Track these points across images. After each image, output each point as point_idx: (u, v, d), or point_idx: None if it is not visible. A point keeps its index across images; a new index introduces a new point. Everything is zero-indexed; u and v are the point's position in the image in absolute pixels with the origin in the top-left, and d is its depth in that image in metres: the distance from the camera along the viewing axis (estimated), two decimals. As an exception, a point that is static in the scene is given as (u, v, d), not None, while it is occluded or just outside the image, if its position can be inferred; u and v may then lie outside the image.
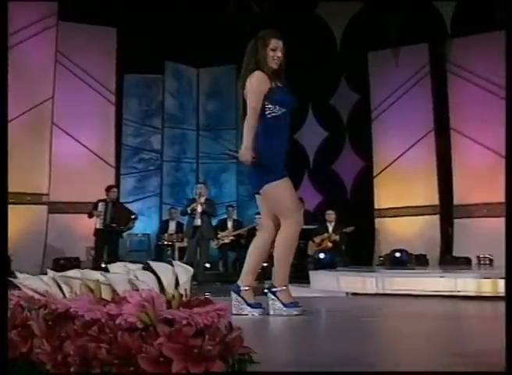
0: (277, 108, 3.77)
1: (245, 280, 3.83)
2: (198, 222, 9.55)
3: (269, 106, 3.76)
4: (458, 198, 11.88)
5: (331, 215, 10.36)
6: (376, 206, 12.45)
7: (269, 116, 3.76)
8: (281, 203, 3.74)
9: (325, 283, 6.48)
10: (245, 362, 1.67)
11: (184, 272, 1.75)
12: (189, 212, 9.60)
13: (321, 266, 8.38)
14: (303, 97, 13.04)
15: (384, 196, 12.38)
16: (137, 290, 1.73)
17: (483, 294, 5.08)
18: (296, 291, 6.36)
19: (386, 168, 12.47)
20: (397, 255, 9.39)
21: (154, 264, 1.79)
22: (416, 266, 9.57)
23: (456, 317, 4.08)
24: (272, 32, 3.90)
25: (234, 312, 3.67)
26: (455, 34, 11.47)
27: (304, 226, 10.58)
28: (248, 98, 3.77)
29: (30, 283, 1.84)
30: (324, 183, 13.43)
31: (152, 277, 1.77)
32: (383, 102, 12.58)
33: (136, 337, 1.57)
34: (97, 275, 1.79)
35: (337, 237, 10.16)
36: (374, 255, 12.01)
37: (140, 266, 1.83)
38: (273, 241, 3.83)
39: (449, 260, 10.66)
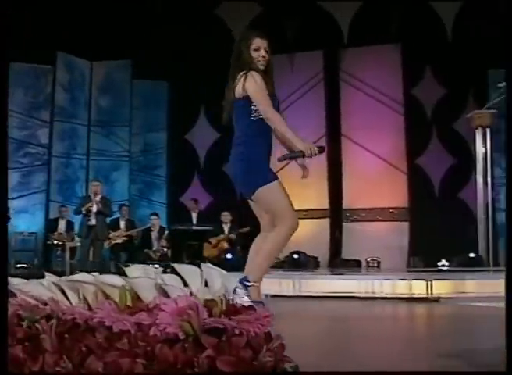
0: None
1: (258, 275, 3.71)
2: (93, 221, 9.17)
3: (255, 108, 3.70)
4: (347, 203, 12.29)
5: (227, 216, 10.34)
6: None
7: (255, 118, 3.71)
8: (274, 208, 3.72)
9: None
10: (289, 372, 1.58)
11: (218, 275, 1.62)
12: (83, 211, 9.18)
13: (227, 267, 8.26)
14: (196, 97, 13.08)
15: (276, 199, 12.52)
16: (167, 296, 1.58)
17: (400, 296, 5.23)
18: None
19: (279, 171, 12.58)
20: (295, 256, 9.53)
21: (179, 267, 1.66)
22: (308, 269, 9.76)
23: (359, 318, 4.20)
24: (254, 31, 3.84)
25: None
26: (350, 44, 11.86)
27: (199, 227, 10.60)
28: (255, 100, 3.67)
29: (31, 289, 1.62)
30: (214, 185, 13.39)
31: (179, 281, 1.63)
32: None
33: (178, 349, 1.42)
34: (114, 279, 1.61)
35: (233, 238, 10.15)
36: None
37: (161, 269, 1.68)
38: None
39: (340, 263, 10.97)
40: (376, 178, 12.02)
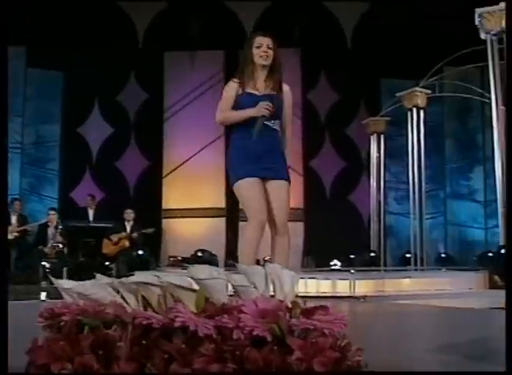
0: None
1: None
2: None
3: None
4: (244, 202, 12.38)
5: (130, 214, 10.08)
6: (164, 207, 12.42)
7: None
8: (243, 204, 3.82)
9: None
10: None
11: (289, 276, 1.60)
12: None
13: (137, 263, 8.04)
14: (90, 89, 12.66)
15: (173, 197, 12.40)
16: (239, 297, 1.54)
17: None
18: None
19: (176, 169, 12.52)
20: (200, 254, 9.48)
21: (242, 267, 1.61)
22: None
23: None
24: (257, 31, 4.01)
25: None
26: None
27: (100, 224, 10.26)
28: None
29: (93, 292, 1.50)
30: (106, 180, 13.03)
31: (247, 282, 1.59)
32: (176, 103, 12.62)
33: (267, 352, 1.39)
34: (182, 281, 1.53)
35: (135, 238, 9.91)
36: (161, 255, 11.97)
37: (222, 269, 1.62)
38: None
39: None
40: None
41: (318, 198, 12.88)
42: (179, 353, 1.37)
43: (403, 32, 11.48)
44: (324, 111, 13.40)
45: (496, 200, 11.87)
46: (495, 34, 7.62)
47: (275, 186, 3.84)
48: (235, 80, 3.94)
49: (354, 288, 5.37)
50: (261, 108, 3.71)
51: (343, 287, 5.41)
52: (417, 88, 9.78)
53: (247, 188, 3.76)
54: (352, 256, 12.15)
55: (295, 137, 12.35)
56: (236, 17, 11.35)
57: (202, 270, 1.56)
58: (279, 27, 11.47)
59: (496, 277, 6.93)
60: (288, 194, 3.90)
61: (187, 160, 12.44)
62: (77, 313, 1.42)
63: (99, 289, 1.50)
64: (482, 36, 7.79)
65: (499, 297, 5.87)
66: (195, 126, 12.35)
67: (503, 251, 7.04)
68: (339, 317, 1.51)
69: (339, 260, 12.11)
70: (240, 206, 3.92)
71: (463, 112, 12.15)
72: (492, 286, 6.82)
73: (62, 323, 1.42)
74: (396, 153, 12.44)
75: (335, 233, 12.10)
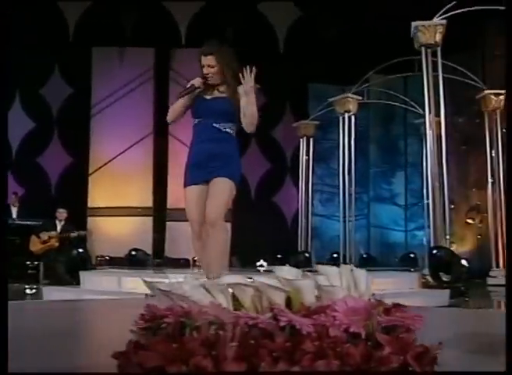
0: (194, 118, 4.03)
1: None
2: None
3: (191, 118, 4.06)
4: (172, 202, 12.32)
5: (62, 213, 9.77)
6: (90, 205, 12.14)
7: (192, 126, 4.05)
8: None
9: (101, 283, 6.18)
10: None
11: (363, 276, 1.67)
12: None
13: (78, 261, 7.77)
14: (12, 81, 12.18)
15: (99, 195, 12.15)
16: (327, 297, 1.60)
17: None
18: (70, 293, 5.99)
19: (103, 166, 12.27)
20: (133, 253, 9.36)
21: (321, 267, 1.67)
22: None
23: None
24: (202, 49, 4.07)
25: None
26: (182, 44, 11.92)
27: (26, 222, 9.89)
28: None
29: (193, 294, 1.52)
30: (27, 177, 12.59)
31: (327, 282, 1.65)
32: (104, 100, 12.37)
33: (362, 348, 1.46)
34: (273, 281, 1.56)
35: (65, 237, 9.62)
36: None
37: (299, 270, 1.67)
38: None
39: (167, 261, 10.96)
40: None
41: (243, 199, 12.98)
42: (285, 352, 1.41)
43: (334, 39, 11.80)
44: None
45: (416, 203, 12.48)
46: (429, 47, 7.98)
47: (213, 183, 3.94)
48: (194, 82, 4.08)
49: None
50: (198, 81, 3.98)
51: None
52: (349, 94, 10.09)
53: (188, 196, 4.05)
54: (279, 256, 12.38)
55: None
56: (170, 16, 11.26)
57: (288, 271, 1.61)
58: (211, 27, 11.51)
59: (428, 277, 7.27)
60: (223, 190, 3.95)
61: (114, 158, 12.22)
62: (180, 315, 1.43)
63: (196, 291, 1.51)
64: (416, 46, 8.15)
65: (435, 296, 6.24)
66: (123, 123, 12.17)
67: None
68: (417, 314, 1.59)
69: (265, 260, 12.31)
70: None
71: (387, 119, 12.62)
72: (425, 286, 7.14)
73: (163, 325, 1.43)
74: (321, 157, 12.77)
75: (260, 233, 12.26)
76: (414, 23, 7.95)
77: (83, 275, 6.51)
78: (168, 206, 12.31)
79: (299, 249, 11.74)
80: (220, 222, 3.98)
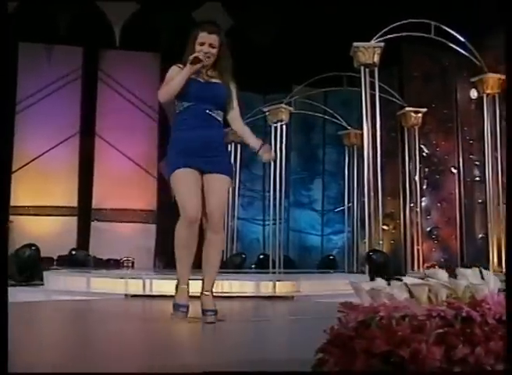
0: (182, 102, 3.66)
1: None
2: None
3: (176, 102, 3.69)
4: (97, 202, 12.32)
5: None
6: (13, 203, 11.87)
7: (177, 110, 3.70)
8: (176, 199, 3.61)
9: (66, 284, 6.27)
10: None
11: (492, 276, 2.15)
12: None
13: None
14: None
15: (22, 193, 11.92)
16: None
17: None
18: (32, 293, 6.06)
19: (27, 164, 12.06)
20: (73, 253, 9.39)
21: (461, 271, 2.13)
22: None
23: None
24: (202, 25, 3.79)
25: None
26: (112, 45, 11.94)
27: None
28: None
29: (395, 292, 1.93)
30: None
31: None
32: (30, 97, 12.15)
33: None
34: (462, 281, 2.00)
35: None
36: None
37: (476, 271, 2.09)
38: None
39: (95, 262, 10.96)
40: (127, 180, 12.32)
41: (168, 200, 13.19)
42: (463, 336, 1.84)
43: (262, 49, 12.30)
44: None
45: (332, 209, 13.26)
46: (367, 66, 8.67)
47: (213, 180, 3.66)
48: (179, 65, 3.75)
49: (275, 289, 5.92)
50: (198, 57, 3.62)
51: (265, 287, 5.92)
52: (283, 105, 10.60)
53: (181, 180, 3.59)
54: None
55: (151, 139, 12.76)
56: (104, 17, 11.27)
57: (474, 275, 2.04)
58: (145, 30, 11.66)
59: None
60: (225, 188, 3.74)
61: (39, 156, 12.05)
62: (391, 309, 1.84)
63: (396, 290, 1.92)
64: (355, 65, 8.81)
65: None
66: (49, 122, 12.03)
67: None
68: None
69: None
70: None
71: (308, 128, 13.28)
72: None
73: (376, 318, 1.83)
74: (244, 162, 13.22)
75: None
76: (355, 43, 8.58)
77: (47, 275, 6.57)
78: (94, 206, 12.30)
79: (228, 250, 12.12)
80: (221, 226, 3.80)
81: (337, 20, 10.83)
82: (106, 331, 3.42)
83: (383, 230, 12.08)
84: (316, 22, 11.58)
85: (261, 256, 11.46)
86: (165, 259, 12.63)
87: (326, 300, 5.69)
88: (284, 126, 10.63)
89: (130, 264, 11.16)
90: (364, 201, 11.83)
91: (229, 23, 12.04)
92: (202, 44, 3.70)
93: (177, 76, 3.64)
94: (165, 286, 5.80)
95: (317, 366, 1.89)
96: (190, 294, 3.72)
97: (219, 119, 3.75)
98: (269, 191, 13.38)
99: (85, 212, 12.24)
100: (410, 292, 1.98)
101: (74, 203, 12.19)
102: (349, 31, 10.59)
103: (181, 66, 3.71)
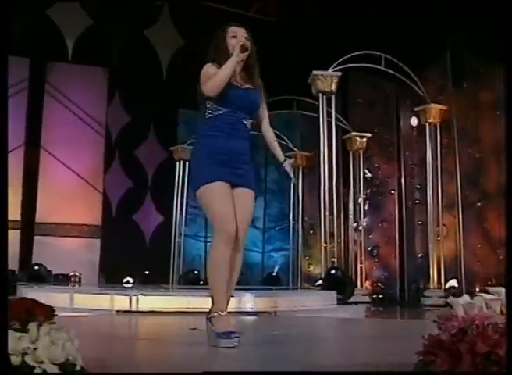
0: (218, 107, 3.34)
1: (213, 305, 3.32)
2: None
3: (209, 105, 3.36)
4: (41, 216, 12.18)
5: None
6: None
7: (208, 115, 3.35)
8: (207, 212, 3.33)
9: (48, 300, 6.25)
10: None
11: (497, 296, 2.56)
12: None
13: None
14: None
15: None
16: None
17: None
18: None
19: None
20: (36, 268, 9.33)
21: (496, 289, 2.53)
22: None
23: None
24: (230, 22, 3.55)
25: (212, 343, 3.20)
26: (61, 58, 11.94)
27: None
28: (202, 87, 3.35)
29: (479, 305, 2.31)
30: None
31: None
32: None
33: None
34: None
35: None
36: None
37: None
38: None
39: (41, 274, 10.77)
40: (72, 194, 12.26)
41: (107, 215, 13.17)
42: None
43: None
44: (116, 130, 13.76)
45: (273, 227, 13.67)
46: (325, 94, 9.17)
47: (242, 195, 3.39)
48: (212, 64, 3.39)
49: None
50: (238, 47, 3.35)
51: (244, 303, 6.18)
52: (236, 126, 10.91)
53: (216, 194, 3.29)
54: (147, 273, 12.78)
55: (97, 154, 12.75)
56: (58, 30, 11.27)
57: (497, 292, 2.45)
58: (97, 46, 11.74)
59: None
60: (253, 206, 3.48)
61: (-18, 168, 11.76)
62: (483, 319, 2.22)
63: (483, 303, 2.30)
64: (314, 92, 9.30)
65: (353, 310, 7.29)
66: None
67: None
68: None
69: (132, 277, 12.64)
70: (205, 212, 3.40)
71: (251, 148, 13.64)
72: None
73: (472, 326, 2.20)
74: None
75: (123, 250, 12.58)
76: (314, 72, 9.06)
77: (26, 291, 6.55)
78: (37, 220, 12.14)
79: (171, 266, 12.26)
80: (243, 243, 3.46)
81: (290, 47, 11.31)
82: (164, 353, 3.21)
83: (325, 248, 12.66)
84: (269, 47, 12.01)
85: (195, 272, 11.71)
86: (107, 274, 12.63)
87: (306, 315, 6.01)
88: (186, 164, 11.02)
89: (78, 279, 11.10)
90: (305, 220, 12.43)
91: (180, 43, 12.33)
92: (234, 36, 3.43)
93: (220, 69, 3.29)
94: (154, 302, 5.99)
95: (422, 367, 2.22)
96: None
97: (249, 128, 3.51)
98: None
99: (28, 226, 12.06)
100: (487, 305, 2.37)
101: (17, 216, 11.98)
102: (302, 58, 11.13)
103: (215, 65, 3.37)
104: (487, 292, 2.50)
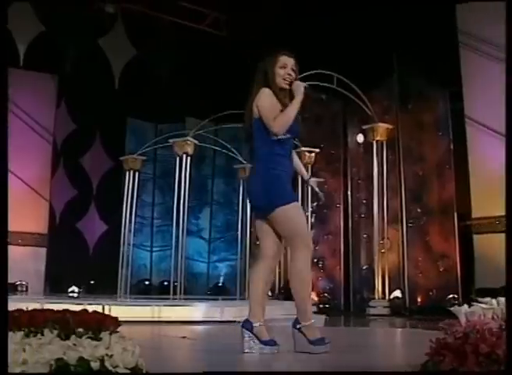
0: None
1: (256, 315, 3.56)
2: None
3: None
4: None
5: None
6: None
7: (274, 138, 3.53)
8: (292, 227, 3.47)
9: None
10: None
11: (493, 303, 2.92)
12: None
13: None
14: None
15: None
16: None
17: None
18: None
19: None
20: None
21: (487, 299, 2.88)
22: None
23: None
24: (281, 50, 3.71)
25: (246, 350, 3.44)
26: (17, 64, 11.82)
27: None
28: (263, 116, 3.53)
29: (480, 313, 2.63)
30: None
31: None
32: None
33: None
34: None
35: None
36: None
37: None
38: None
39: None
40: (18, 202, 12.06)
41: (52, 224, 13.04)
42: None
43: (161, 79, 12.81)
44: (61, 138, 13.65)
45: (219, 238, 13.90)
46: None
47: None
48: (268, 89, 3.58)
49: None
50: (303, 89, 3.60)
51: (213, 312, 6.39)
52: (189, 138, 11.09)
53: (300, 212, 3.59)
54: (92, 282, 12.71)
55: (45, 162, 12.62)
56: (10, 35, 11.14)
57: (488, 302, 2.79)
58: (50, 52, 11.69)
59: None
60: None
61: None
62: (482, 324, 2.55)
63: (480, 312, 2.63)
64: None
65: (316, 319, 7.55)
66: None
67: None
68: None
69: (77, 286, 12.53)
70: (285, 231, 3.55)
71: (198, 159, 13.82)
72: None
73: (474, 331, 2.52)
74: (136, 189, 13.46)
75: (67, 259, 12.51)
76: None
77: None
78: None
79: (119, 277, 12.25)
80: None
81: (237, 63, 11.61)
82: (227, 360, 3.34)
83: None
84: (217, 63, 12.33)
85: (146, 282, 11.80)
86: (52, 283, 12.49)
87: (273, 324, 6.23)
88: (189, 158, 11.12)
89: (25, 288, 10.96)
90: (252, 231, 12.71)
91: (132, 52, 12.43)
92: (284, 67, 3.62)
93: (290, 106, 3.55)
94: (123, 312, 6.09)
95: (432, 366, 2.53)
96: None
97: None
98: (159, 218, 13.84)
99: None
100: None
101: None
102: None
103: (269, 90, 3.58)
104: (478, 302, 2.86)
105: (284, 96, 3.63)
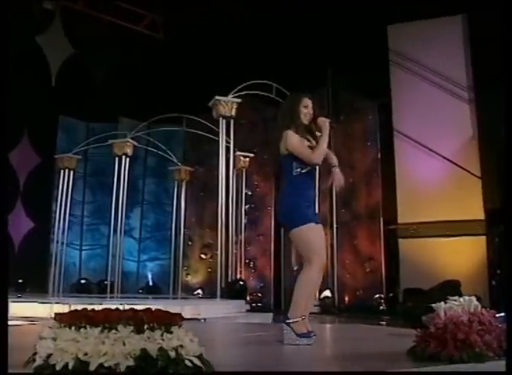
0: (303, 166, 4.09)
1: (295, 313, 4.04)
2: None
3: (295, 164, 4.10)
4: None
5: None
6: None
7: (295, 173, 4.09)
8: (303, 245, 4.05)
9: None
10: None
11: (472, 300, 3.50)
12: None
13: None
14: None
15: None
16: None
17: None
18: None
19: None
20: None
21: (464, 298, 3.46)
22: None
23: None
24: (303, 93, 4.32)
25: (285, 342, 3.96)
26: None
27: None
28: (299, 154, 4.07)
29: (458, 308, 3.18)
30: None
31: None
32: None
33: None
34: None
35: None
36: None
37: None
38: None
39: None
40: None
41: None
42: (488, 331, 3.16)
43: (98, 79, 12.90)
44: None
45: (149, 237, 14.11)
46: (225, 117, 9.92)
47: (321, 230, 4.19)
48: (292, 130, 4.13)
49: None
50: (328, 125, 4.15)
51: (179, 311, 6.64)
52: (129, 139, 11.28)
53: (315, 232, 4.08)
54: (20, 281, 12.58)
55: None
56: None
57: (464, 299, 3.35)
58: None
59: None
60: None
61: None
62: (455, 317, 3.09)
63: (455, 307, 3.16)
64: (215, 116, 10.00)
65: (263, 317, 7.98)
66: None
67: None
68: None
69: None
70: (299, 248, 4.15)
71: (132, 160, 13.97)
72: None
73: (452, 322, 3.06)
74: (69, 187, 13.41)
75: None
76: (216, 97, 9.75)
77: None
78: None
79: (51, 274, 12.23)
80: None
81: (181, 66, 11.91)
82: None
83: (202, 258, 13.34)
84: (153, 64, 12.56)
85: (82, 281, 11.90)
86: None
87: (228, 321, 6.65)
88: (128, 159, 11.31)
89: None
90: (185, 232, 13.03)
91: (70, 51, 12.47)
92: (306, 106, 4.20)
93: (322, 140, 4.11)
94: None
95: (419, 351, 3.05)
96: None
97: None
98: (89, 217, 13.89)
99: None
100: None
101: None
102: (193, 79, 11.79)
103: (292, 131, 4.11)
104: (454, 300, 3.40)
105: (305, 130, 4.20)
